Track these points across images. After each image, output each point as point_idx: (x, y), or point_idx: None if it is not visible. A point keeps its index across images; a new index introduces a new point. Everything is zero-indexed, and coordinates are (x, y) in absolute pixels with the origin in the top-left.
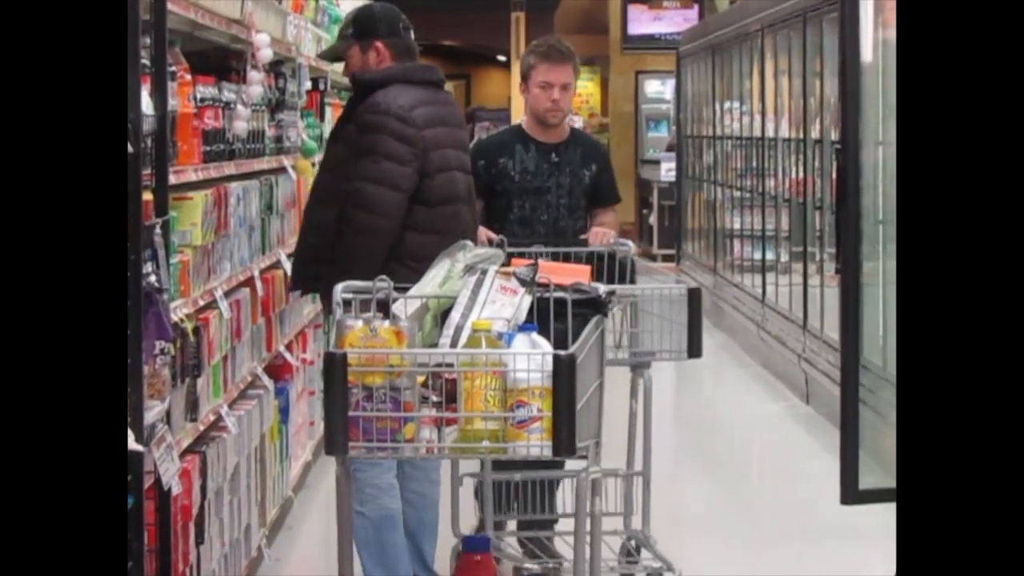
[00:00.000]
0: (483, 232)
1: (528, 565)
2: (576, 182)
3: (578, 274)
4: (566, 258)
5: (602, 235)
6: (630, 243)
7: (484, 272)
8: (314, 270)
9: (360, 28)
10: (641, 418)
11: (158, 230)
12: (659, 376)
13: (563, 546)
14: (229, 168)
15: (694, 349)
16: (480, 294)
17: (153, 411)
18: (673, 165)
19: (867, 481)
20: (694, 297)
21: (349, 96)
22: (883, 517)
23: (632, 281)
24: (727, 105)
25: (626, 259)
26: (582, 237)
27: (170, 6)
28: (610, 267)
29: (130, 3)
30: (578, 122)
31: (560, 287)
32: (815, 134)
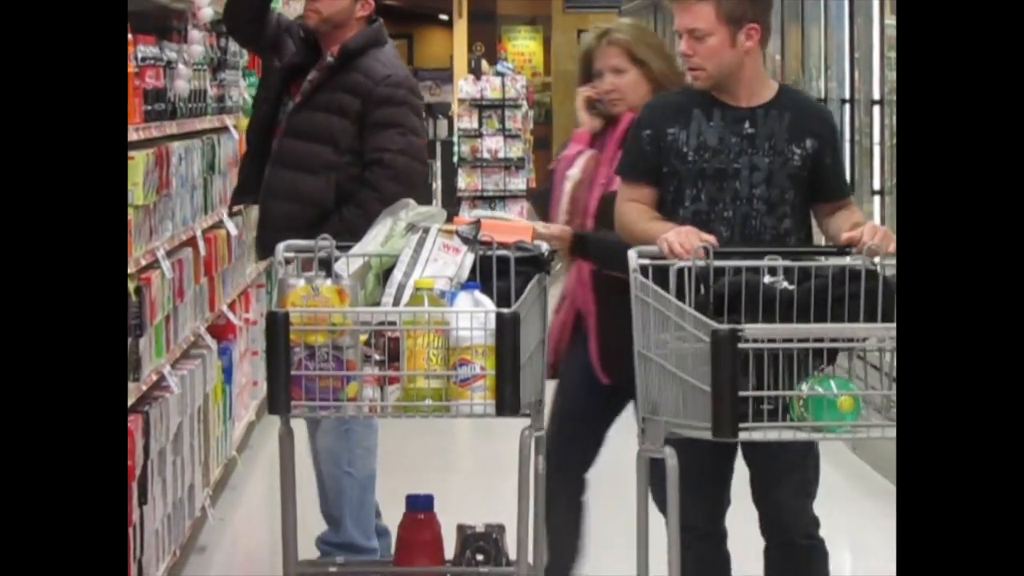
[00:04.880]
0: (684, 235)
1: (471, 523)
2: (779, 163)
3: (520, 232)
4: (808, 278)
5: (883, 235)
6: None
7: (426, 231)
8: (288, 237)
9: None
10: None
11: None
12: None
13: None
14: (171, 128)
15: None
16: (422, 253)
17: None
18: None
19: None
20: None
21: (328, 63)
22: (883, 519)
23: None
24: None
25: None
26: (846, 236)
27: None
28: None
29: None
30: (520, 81)
31: (503, 245)
32: None
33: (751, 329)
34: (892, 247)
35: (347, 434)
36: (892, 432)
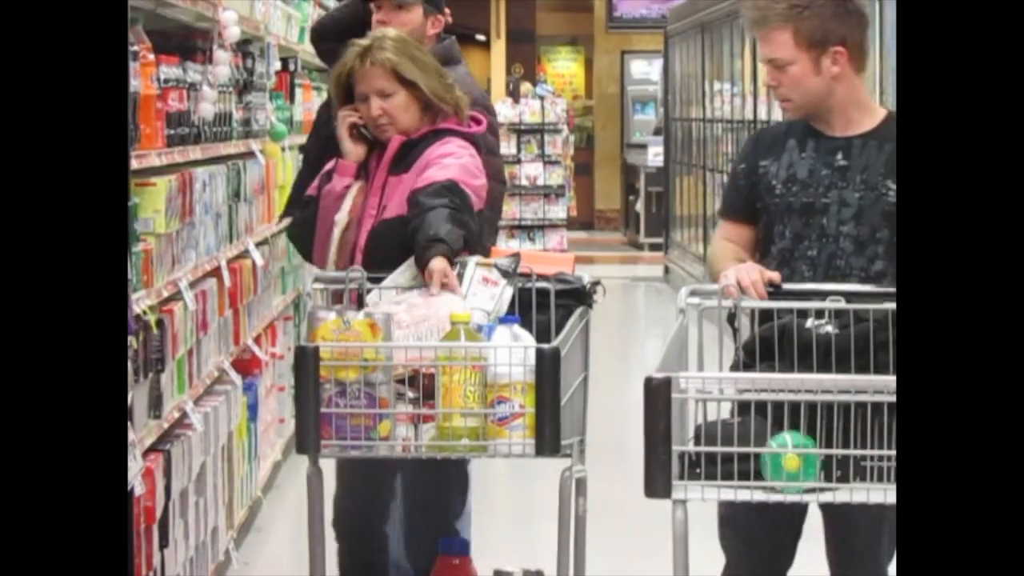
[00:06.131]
0: (744, 272)
1: (508, 568)
2: (871, 199)
3: (561, 263)
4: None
5: None
6: None
7: (463, 265)
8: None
9: None
10: None
11: None
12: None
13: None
14: (194, 152)
15: None
16: (460, 287)
17: None
18: (660, 149)
19: None
20: None
21: None
22: None
23: None
24: (717, 86)
25: None
26: None
27: None
28: None
29: None
30: (561, 104)
31: (543, 277)
32: None
33: (687, 377)
34: None
35: None
36: (845, 496)
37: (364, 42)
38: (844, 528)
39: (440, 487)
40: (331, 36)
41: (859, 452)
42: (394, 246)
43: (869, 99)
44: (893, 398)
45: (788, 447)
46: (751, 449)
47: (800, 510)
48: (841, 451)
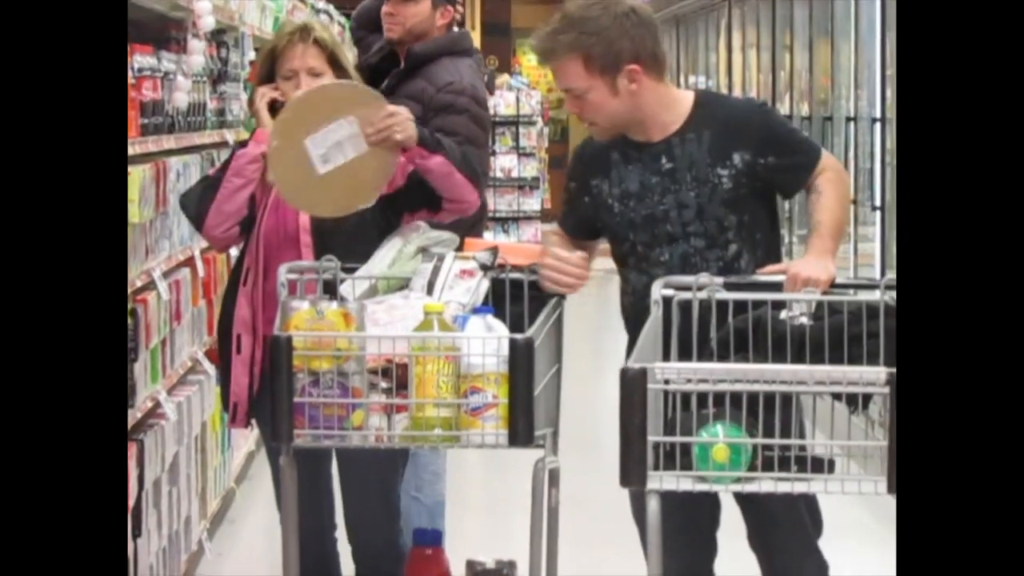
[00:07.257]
0: (556, 262)
1: (481, 559)
2: (707, 193)
3: (535, 255)
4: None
5: (802, 281)
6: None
7: (441, 258)
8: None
9: None
10: None
11: None
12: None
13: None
14: (168, 142)
15: None
16: (438, 280)
17: None
18: None
19: None
20: None
21: (396, 70)
22: (880, 515)
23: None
24: (692, 80)
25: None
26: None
27: None
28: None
29: None
30: (535, 96)
31: (516, 268)
32: (784, 110)
33: (663, 368)
34: (816, 284)
35: (413, 459)
36: (803, 487)
37: (299, 23)
38: (764, 513)
39: (367, 466)
40: (365, 25)
41: (823, 442)
42: (339, 227)
43: (675, 96)
44: (866, 389)
45: (719, 438)
46: (729, 440)
47: (715, 499)
48: (816, 441)
